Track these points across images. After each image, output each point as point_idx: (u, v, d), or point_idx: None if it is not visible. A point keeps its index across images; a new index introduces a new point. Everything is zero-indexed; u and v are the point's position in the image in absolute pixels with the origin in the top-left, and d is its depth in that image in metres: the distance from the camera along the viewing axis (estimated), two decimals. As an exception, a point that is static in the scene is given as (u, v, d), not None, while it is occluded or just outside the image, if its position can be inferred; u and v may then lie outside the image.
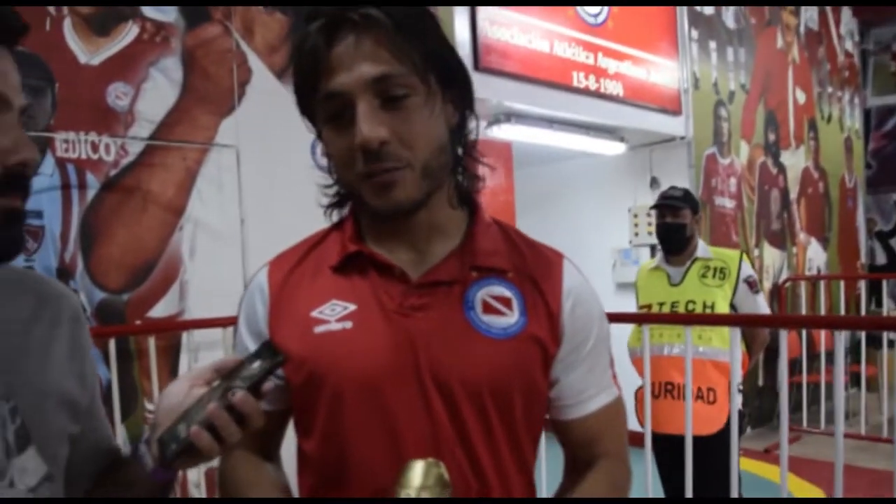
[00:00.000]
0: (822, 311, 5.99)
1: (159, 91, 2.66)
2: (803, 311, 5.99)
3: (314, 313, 0.92)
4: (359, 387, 0.89)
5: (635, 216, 5.17)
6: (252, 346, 0.94)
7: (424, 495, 0.78)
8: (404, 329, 0.90)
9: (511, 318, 0.92)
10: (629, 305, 3.30)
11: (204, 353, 2.70)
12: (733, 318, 2.74)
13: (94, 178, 2.51)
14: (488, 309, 0.92)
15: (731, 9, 5.62)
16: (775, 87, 6.15)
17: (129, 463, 0.86)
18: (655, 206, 3.07)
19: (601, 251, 5.28)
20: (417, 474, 0.79)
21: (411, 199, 0.87)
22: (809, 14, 6.66)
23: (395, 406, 0.88)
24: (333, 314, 0.91)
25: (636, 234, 5.17)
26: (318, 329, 0.91)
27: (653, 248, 5.12)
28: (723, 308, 2.85)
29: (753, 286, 2.93)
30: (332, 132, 0.88)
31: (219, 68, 2.81)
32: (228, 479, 0.98)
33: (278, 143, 2.96)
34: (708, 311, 2.85)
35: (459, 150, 0.95)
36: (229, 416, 0.75)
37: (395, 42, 0.83)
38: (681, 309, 2.90)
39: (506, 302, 0.93)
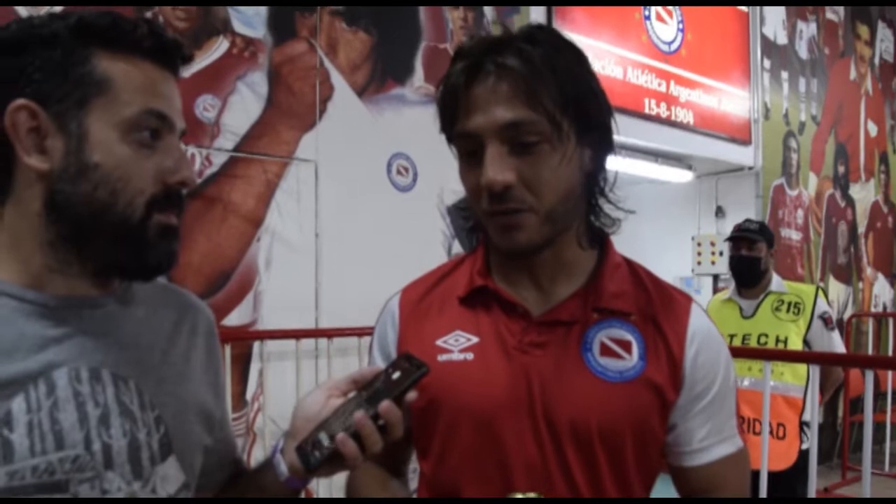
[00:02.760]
0: (889, 350, 5.80)
1: (245, 104, 2.73)
2: (869, 349, 5.81)
3: (439, 342, 0.95)
4: (473, 417, 0.91)
5: (699, 245, 5.08)
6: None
7: None
8: (522, 365, 0.91)
9: (629, 363, 0.91)
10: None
11: (275, 363, 2.75)
12: (811, 356, 2.68)
13: (179, 187, 2.57)
14: (606, 351, 0.92)
15: (805, 39, 5.53)
16: (847, 119, 6.02)
17: (260, 472, 0.89)
18: (731, 239, 3.03)
19: (663, 279, 5.20)
20: None
21: (532, 242, 0.89)
22: (885, 45, 6.50)
23: (506, 439, 0.90)
24: (457, 345, 0.94)
25: (699, 264, 5.08)
26: (442, 357, 0.93)
27: (716, 278, 5.03)
28: (796, 343, 2.81)
29: (829, 322, 2.88)
30: (465, 168, 0.91)
31: (302, 84, 2.87)
32: (353, 486, 1.02)
33: (356, 160, 3.01)
34: (780, 345, 2.81)
35: (596, 192, 0.96)
36: (374, 425, 0.77)
37: (531, 89, 0.84)
38: (752, 342, 2.87)
39: (625, 345, 0.93)
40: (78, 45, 0.74)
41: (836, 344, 2.88)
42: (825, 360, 2.70)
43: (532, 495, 0.83)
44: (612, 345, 0.92)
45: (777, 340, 2.82)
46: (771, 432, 2.68)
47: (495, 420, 0.90)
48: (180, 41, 0.80)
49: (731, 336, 2.93)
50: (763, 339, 2.85)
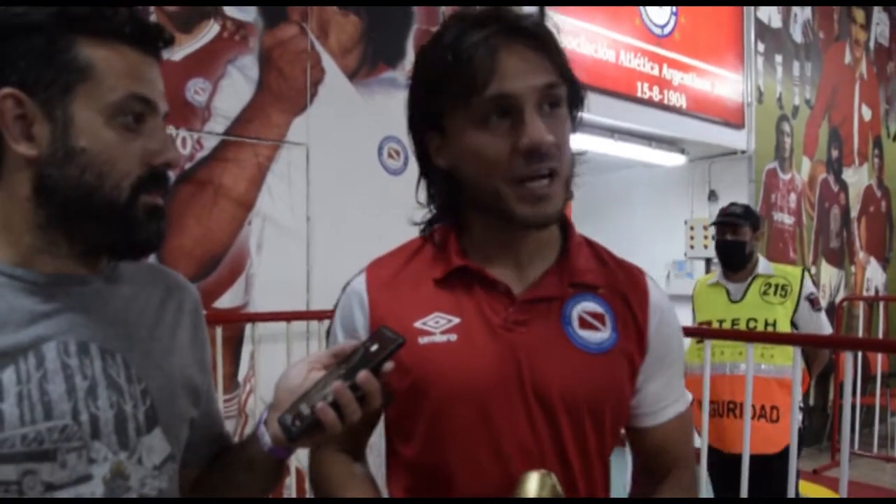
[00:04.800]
0: (880, 333, 5.85)
1: (236, 88, 2.73)
2: (860, 332, 5.86)
3: (417, 324, 0.94)
4: (465, 397, 0.92)
5: (692, 229, 5.12)
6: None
7: None
8: (508, 343, 0.93)
9: (605, 334, 0.96)
10: (684, 317, 3.29)
11: (266, 346, 2.77)
12: (797, 338, 2.70)
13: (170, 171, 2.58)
14: (584, 324, 0.95)
15: (799, 22, 5.53)
16: (841, 103, 6.03)
17: (245, 444, 0.91)
18: (715, 224, 3.06)
19: (655, 262, 5.23)
20: (533, 486, 0.83)
21: (556, 211, 0.91)
22: (880, 29, 6.51)
23: (499, 417, 0.92)
24: (438, 326, 0.94)
25: (692, 247, 5.12)
26: (423, 340, 0.93)
27: (708, 261, 5.07)
28: (784, 325, 2.83)
29: (815, 304, 2.90)
30: (485, 135, 0.89)
31: (293, 68, 2.88)
32: (319, 475, 1.02)
33: (347, 144, 3.02)
34: (770, 328, 2.83)
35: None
36: (352, 394, 0.79)
37: (553, 55, 0.90)
38: (741, 326, 2.88)
39: (599, 318, 0.96)
40: (60, 32, 0.76)
41: (824, 324, 2.90)
42: (809, 342, 2.71)
43: (544, 472, 0.85)
44: (588, 318, 0.96)
45: (766, 324, 2.84)
46: (765, 416, 2.71)
47: (487, 399, 0.91)
48: (161, 25, 0.82)
49: (721, 321, 2.94)
50: (752, 324, 2.86)
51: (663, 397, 1.02)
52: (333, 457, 1.03)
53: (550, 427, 0.92)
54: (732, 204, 3.13)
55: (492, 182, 0.90)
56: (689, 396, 1.07)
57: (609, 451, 1.00)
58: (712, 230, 4.92)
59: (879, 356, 5.26)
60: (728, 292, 3.00)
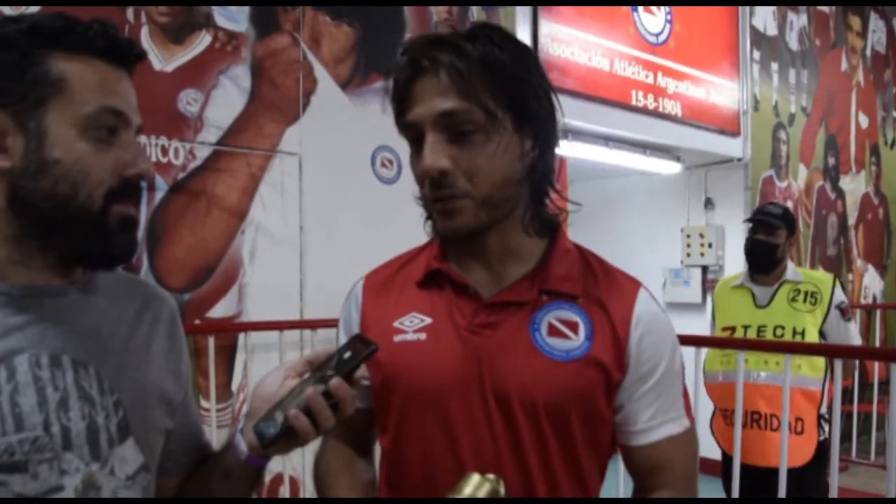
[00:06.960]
0: (877, 341, 5.84)
1: (228, 98, 2.74)
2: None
3: (396, 323, 1.00)
4: (425, 395, 0.96)
5: (688, 237, 5.13)
6: None
7: None
8: (472, 345, 0.95)
9: (575, 342, 0.95)
10: (680, 326, 3.28)
11: (260, 355, 2.77)
12: (793, 345, 2.63)
13: (163, 181, 2.59)
14: (554, 332, 0.96)
15: (795, 30, 5.55)
16: (837, 111, 6.04)
17: (223, 453, 0.92)
18: (750, 220, 2.91)
19: (652, 269, 5.24)
20: (470, 486, 0.84)
21: (468, 226, 0.93)
22: (877, 37, 6.52)
23: (457, 416, 0.94)
24: (412, 325, 0.99)
25: (688, 255, 5.13)
26: (397, 338, 0.98)
27: (704, 269, 5.07)
28: (812, 334, 2.69)
29: (846, 313, 2.76)
30: (412, 156, 0.96)
31: (286, 78, 2.89)
32: (320, 464, 1.07)
33: (340, 153, 3.03)
34: (798, 337, 2.69)
35: (541, 181, 0.98)
36: (325, 401, 0.80)
37: (464, 81, 0.89)
38: (768, 334, 2.73)
39: (572, 326, 0.96)
40: (33, 47, 0.77)
41: (853, 335, 2.77)
42: (806, 351, 2.65)
43: (491, 477, 0.85)
44: (559, 325, 0.96)
45: (794, 332, 2.70)
46: (789, 427, 2.53)
47: (446, 398, 0.94)
48: (132, 41, 0.84)
49: (746, 327, 2.81)
50: (780, 332, 2.71)
51: (651, 416, 0.98)
52: (336, 450, 1.07)
53: (509, 430, 0.93)
54: (771, 203, 2.96)
55: (423, 199, 0.97)
56: (687, 421, 1.02)
57: (588, 461, 0.98)
58: (709, 238, 4.96)
59: (877, 364, 5.24)
60: (754, 296, 2.85)
